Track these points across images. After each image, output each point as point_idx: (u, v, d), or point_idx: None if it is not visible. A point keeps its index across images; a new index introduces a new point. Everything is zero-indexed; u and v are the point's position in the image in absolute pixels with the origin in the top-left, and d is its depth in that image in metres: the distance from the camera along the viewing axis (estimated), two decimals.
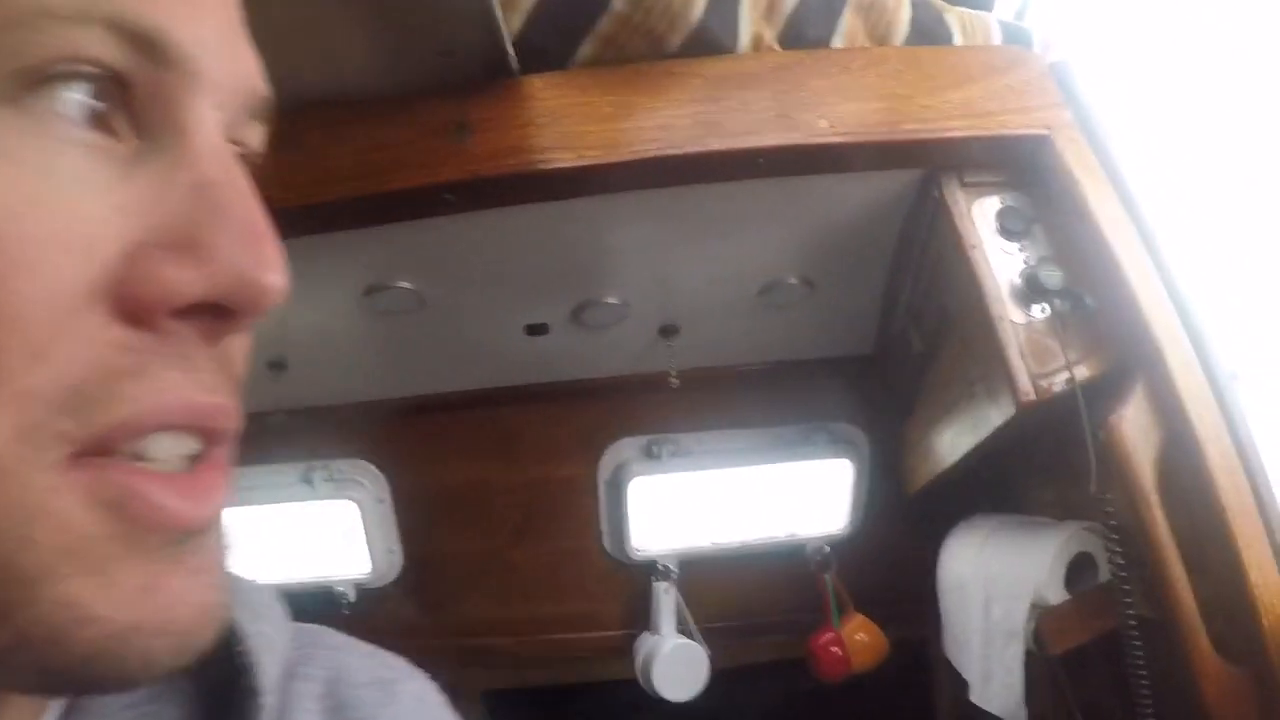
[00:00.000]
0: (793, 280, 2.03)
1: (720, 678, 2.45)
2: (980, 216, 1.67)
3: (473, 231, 1.74)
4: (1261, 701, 1.37)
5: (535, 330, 2.12)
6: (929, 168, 1.71)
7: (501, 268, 1.90)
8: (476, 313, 2.06)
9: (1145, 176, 1.64)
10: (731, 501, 2.49)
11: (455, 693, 2.34)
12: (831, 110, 1.61)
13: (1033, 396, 1.54)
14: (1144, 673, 1.49)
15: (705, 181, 1.67)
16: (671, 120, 1.58)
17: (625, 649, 2.50)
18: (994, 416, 1.69)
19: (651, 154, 1.57)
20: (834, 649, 2.48)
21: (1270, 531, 1.41)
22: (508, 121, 1.56)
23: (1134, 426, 1.48)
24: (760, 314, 2.15)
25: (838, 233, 1.89)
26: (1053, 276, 1.58)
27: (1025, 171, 1.69)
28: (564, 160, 1.55)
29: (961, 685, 2.07)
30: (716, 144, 1.57)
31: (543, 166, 1.55)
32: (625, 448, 2.45)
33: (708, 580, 2.54)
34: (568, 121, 1.57)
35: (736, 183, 1.67)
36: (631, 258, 1.93)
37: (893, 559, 2.52)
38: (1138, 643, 1.50)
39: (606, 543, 2.52)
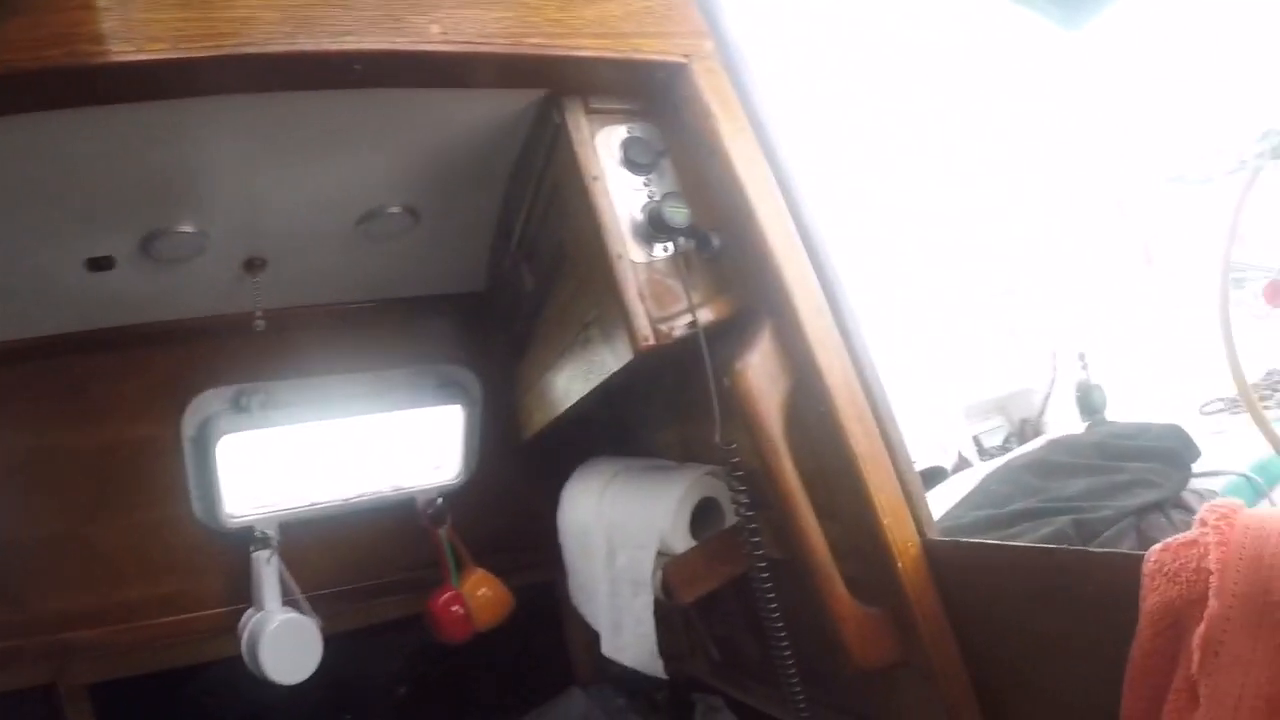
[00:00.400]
0: (395, 209, 1.83)
1: (339, 641, 2.27)
2: (604, 146, 1.53)
3: (14, 141, 1.40)
4: (901, 639, 1.36)
5: (98, 264, 1.79)
6: (552, 89, 1.54)
7: (53, 188, 1.56)
8: (26, 243, 1.70)
9: (786, 116, 1.57)
10: (334, 456, 2.30)
11: (54, 692, 2.00)
12: (447, 15, 1.40)
13: (651, 341, 1.44)
14: (777, 612, 1.44)
15: (294, 89, 1.41)
16: (257, 13, 1.30)
17: (232, 625, 2.24)
18: (610, 361, 1.58)
19: (230, 51, 1.28)
20: (455, 608, 2.36)
21: (900, 476, 1.40)
22: (58, 2, 1.22)
23: (760, 373, 1.40)
24: (360, 246, 1.94)
25: (447, 157, 1.70)
26: (678, 213, 1.48)
27: (657, 101, 1.56)
28: (122, 53, 1.24)
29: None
30: (307, 44, 1.32)
31: (95, 60, 1.23)
32: (211, 400, 2.17)
33: (315, 543, 2.33)
34: (133, 6, 1.25)
35: (332, 93, 1.43)
36: (210, 178, 1.64)
37: (512, 506, 2.43)
38: (769, 585, 1.44)
39: (197, 510, 2.22)
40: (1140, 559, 1.04)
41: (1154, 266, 5.87)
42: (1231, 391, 4.36)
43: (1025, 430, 4.10)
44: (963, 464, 3.21)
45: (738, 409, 1.40)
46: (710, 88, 1.51)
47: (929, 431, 3.62)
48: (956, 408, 3.90)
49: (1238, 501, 1.03)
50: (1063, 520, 2.02)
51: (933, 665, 1.33)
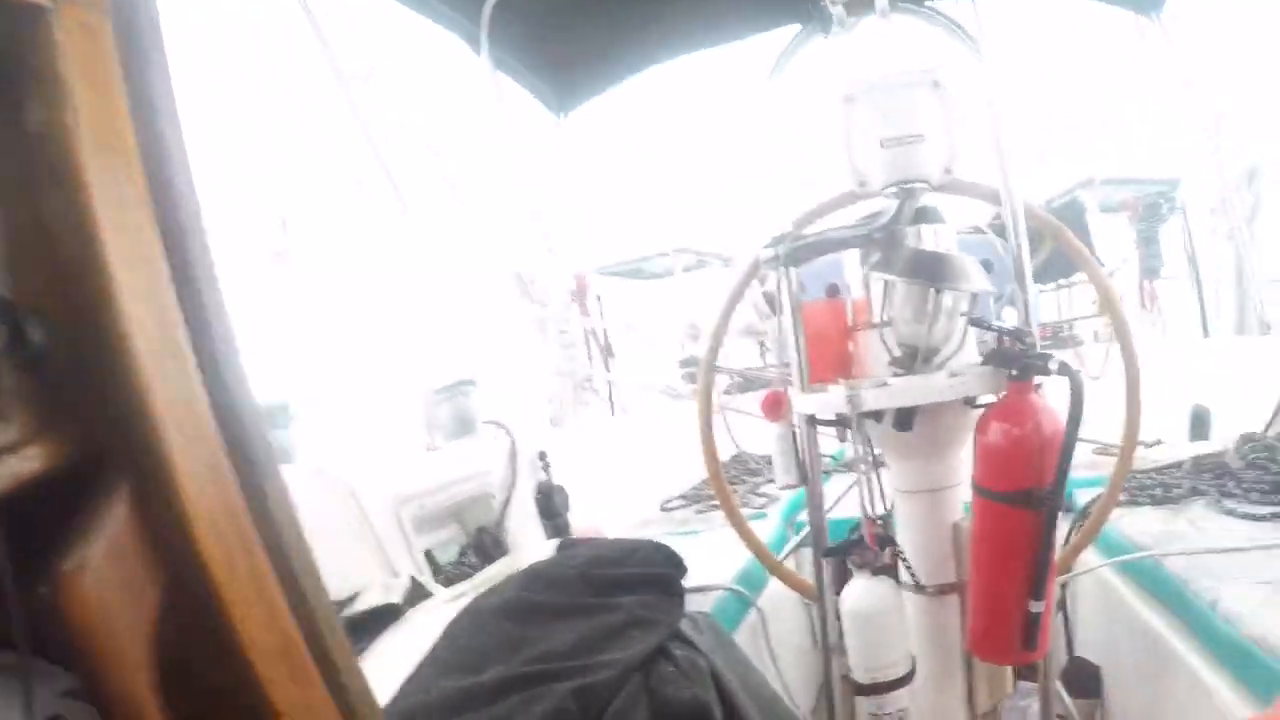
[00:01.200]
0: None
1: None
2: None
3: None
4: None
5: None
6: None
7: None
8: None
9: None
10: None
11: None
12: None
13: None
14: None
15: None
16: None
17: None
18: None
19: None
20: None
21: None
22: None
23: (108, 579, 0.79)
24: None
25: None
26: None
27: None
28: None
29: None
30: None
31: None
32: None
33: None
34: None
35: None
36: None
37: None
38: None
39: None
40: None
41: (614, 361, 6.04)
42: (687, 487, 4.48)
43: (484, 541, 3.73)
44: (418, 592, 2.72)
45: (65, 633, 0.79)
46: (81, 57, 0.84)
47: (371, 560, 3.13)
48: (405, 522, 3.44)
49: None
50: (560, 690, 1.62)
51: None
